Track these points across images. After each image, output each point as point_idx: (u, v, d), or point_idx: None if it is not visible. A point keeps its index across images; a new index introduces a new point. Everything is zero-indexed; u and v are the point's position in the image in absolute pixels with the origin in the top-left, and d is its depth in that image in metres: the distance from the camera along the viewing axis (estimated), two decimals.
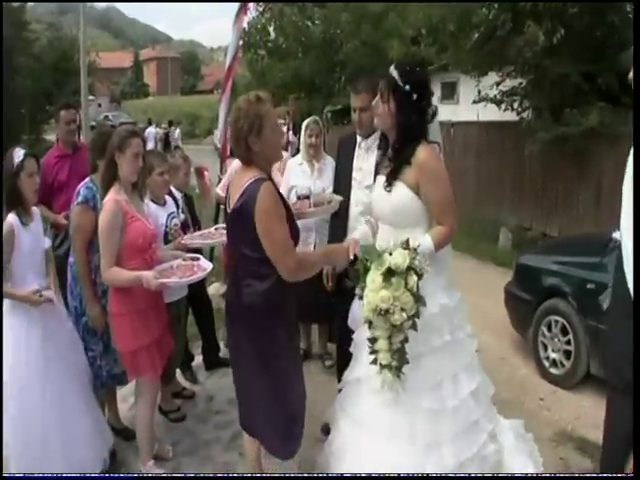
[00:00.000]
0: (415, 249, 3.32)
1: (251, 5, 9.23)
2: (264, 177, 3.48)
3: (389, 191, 3.62)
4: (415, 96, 3.55)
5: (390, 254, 3.29)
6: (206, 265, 4.59)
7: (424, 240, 3.50)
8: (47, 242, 4.60)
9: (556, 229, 11.60)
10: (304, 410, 3.79)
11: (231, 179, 6.53)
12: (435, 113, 3.70)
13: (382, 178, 3.73)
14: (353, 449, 3.64)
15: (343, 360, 4.71)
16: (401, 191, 3.58)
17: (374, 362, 3.46)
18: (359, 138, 4.75)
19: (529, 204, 12.35)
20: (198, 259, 4.66)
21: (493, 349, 5.72)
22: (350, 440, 3.68)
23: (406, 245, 3.31)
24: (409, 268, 3.25)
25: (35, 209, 4.52)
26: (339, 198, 4.23)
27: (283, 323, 3.60)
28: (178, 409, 5.58)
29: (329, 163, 5.99)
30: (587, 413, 5.48)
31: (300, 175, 6.09)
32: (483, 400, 3.75)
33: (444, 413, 3.51)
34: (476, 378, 3.74)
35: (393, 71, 3.60)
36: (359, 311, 3.72)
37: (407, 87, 3.54)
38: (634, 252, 3.14)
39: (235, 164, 6.72)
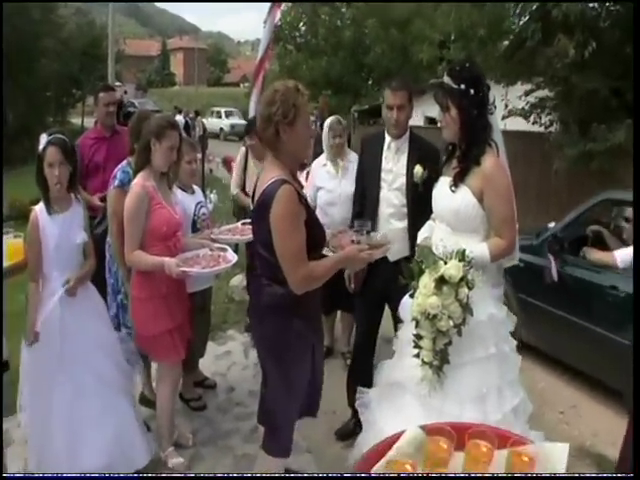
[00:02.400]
0: (470, 262, 3.35)
1: None
2: (285, 178, 3.40)
3: (454, 191, 3.66)
4: (472, 91, 3.59)
5: (445, 263, 3.33)
6: (231, 257, 4.61)
7: (481, 249, 3.56)
8: (83, 237, 4.34)
9: None
10: (288, 420, 3.79)
11: (239, 169, 6.65)
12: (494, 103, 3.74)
13: (446, 179, 3.77)
14: None
15: (359, 362, 4.79)
16: (465, 195, 3.62)
17: (417, 356, 3.51)
18: (389, 138, 4.71)
19: (554, 216, 12.26)
20: (225, 250, 4.68)
21: None
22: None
23: (462, 257, 3.34)
24: (461, 279, 3.30)
25: (76, 200, 4.37)
26: (393, 240, 3.96)
27: (297, 327, 3.58)
28: (199, 398, 5.62)
29: (354, 160, 5.92)
30: (606, 430, 5.45)
31: (325, 176, 6.13)
32: (522, 418, 3.73)
33: None
34: (519, 394, 3.73)
35: (446, 78, 3.64)
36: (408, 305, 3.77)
37: (462, 86, 3.58)
38: (634, 254, 3.15)
39: (242, 150, 6.79)
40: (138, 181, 4.36)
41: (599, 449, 5.14)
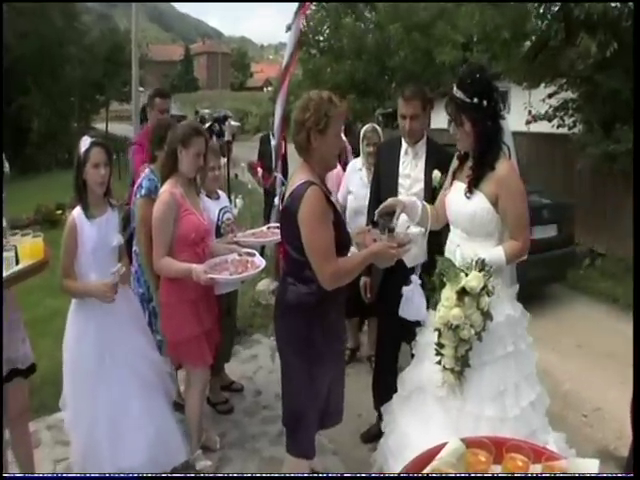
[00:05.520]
0: (489, 271, 3.39)
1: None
2: (313, 181, 3.51)
3: (468, 198, 3.70)
4: (485, 103, 3.58)
5: (466, 275, 3.38)
6: (259, 262, 4.63)
7: (497, 252, 3.60)
8: (119, 239, 4.36)
9: (604, 246, 11.47)
10: (313, 420, 3.83)
11: None
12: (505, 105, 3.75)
13: (461, 184, 3.80)
14: (413, 449, 3.66)
15: (383, 370, 4.86)
16: (479, 201, 3.66)
17: (439, 363, 3.57)
18: (405, 145, 4.73)
19: (578, 219, 12.20)
20: (253, 255, 4.73)
21: (537, 362, 5.93)
22: (410, 440, 3.73)
23: (482, 266, 3.39)
24: (482, 289, 3.35)
25: (113, 202, 4.36)
26: (416, 239, 3.90)
27: (321, 327, 3.64)
28: (226, 401, 5.69)
29: None
30: (630, 433, 5.43)
31: (358, 182, 6.10)
32: (540, 411, 3.77)
33: (506, 422, 3.54)
34: (536, 388, 3.77)
35: (457, 92, 3.62)
36: (418, 301, 3.81)
37: (475, 100, 3.56)
38: (634, 254, 3.18)
39: None
40: (166, 188, 4.41)
41: (622, 452, 5.07)
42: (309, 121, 3.47)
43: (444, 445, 2.55)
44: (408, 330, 4.41)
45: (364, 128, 6.24)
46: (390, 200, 3.84)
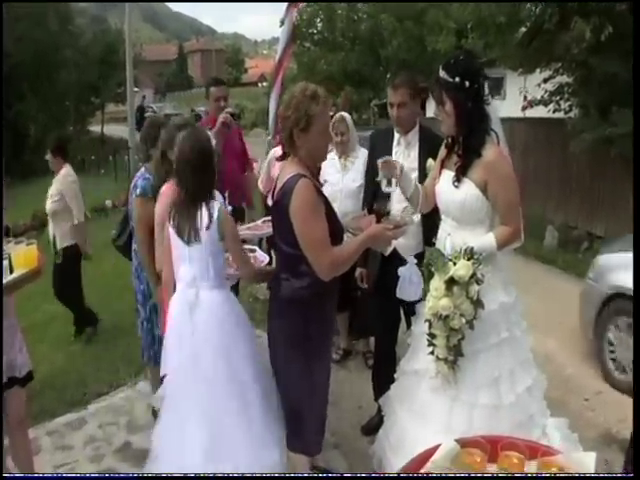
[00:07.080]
0: (478, 259, 3.37)
1: None
2: (303, 173, 3.46)
3: (457, 187, 3.66)
4: (467, 83, 3.54)
5: (454, 264, 3.35)
6: (262, 258, 4.58)
7: (488, 239, 3.58)
8: None
9: (602, 229, 11.46)
10: (314, 413, 3.81)
11: (267, 174, 6.58)
12: (491, 93, 3.71)
13: (449, 173, 3.76)
14: (411, 442, 3.66)
15: (382, 362, 4.88)
16: (468, 188, 3.62)
17: (432, 353, 3.55)
18: (397, 134, 4.70)
19: (575, 202, 12.18)
20: (254, 251, 4.68)
21: (537, 347, 5.96)
22: (408, 433, 3.73)
23: (470, 255, 3.37)
24: (471, 277, 3.33)
25: None
26: (412, 220, 3.95)
27: (316, 321, 3.62)
28: None
29: (362, 157, 5.90)
30: (632, 416, 5.42)
31: (331, 170, 6.05)
32: (537, 395, 3.76)
33: (501, 409, 3.54)
34: (531, 373, 3.76)
35: (441, 72, 3.60)
36: (416, 281, 3.81)
37: (457, 79, 3.53)
38: (634, 253, 3.16)
39: (272, 153, 6.76)
40: (170, 186, 4.27)
41: (625, 435, 5.04)
42: (289, 120, 3.44)
43: (438, 447, 2.54)
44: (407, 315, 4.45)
45: (333, 118, 6.18)
46: (389, 158, 3.91)
